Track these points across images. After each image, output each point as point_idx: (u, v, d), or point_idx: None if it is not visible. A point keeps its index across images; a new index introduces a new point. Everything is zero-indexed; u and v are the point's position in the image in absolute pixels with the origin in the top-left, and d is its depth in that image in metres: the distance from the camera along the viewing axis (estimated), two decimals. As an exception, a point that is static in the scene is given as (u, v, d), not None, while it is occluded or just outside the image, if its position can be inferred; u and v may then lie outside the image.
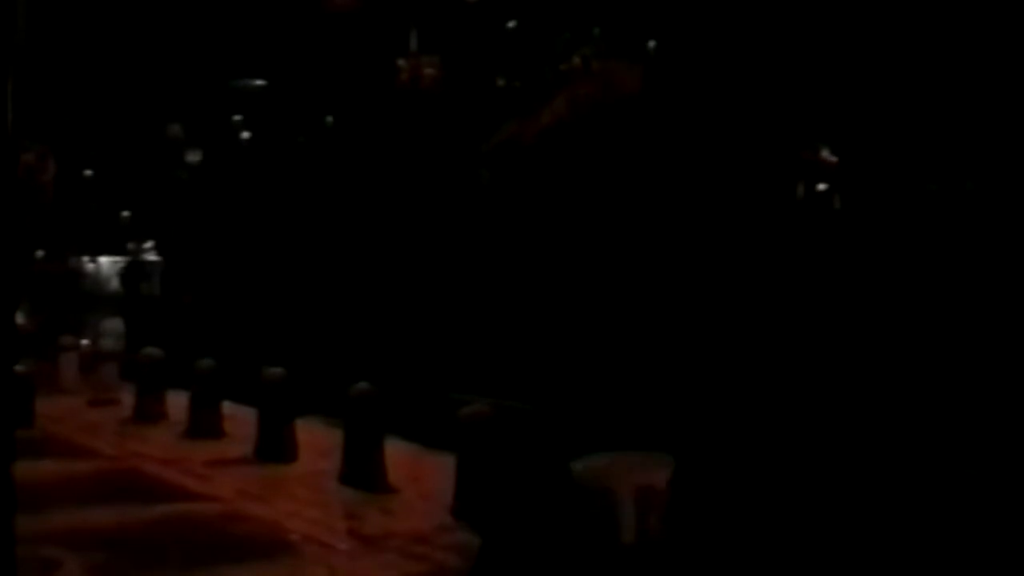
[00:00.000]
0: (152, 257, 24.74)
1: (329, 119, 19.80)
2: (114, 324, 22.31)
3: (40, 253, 25.01)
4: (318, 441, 13.16)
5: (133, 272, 24.73)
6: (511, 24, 16.75)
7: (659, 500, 2.71)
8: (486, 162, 11.37)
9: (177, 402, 15.70)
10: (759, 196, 9.95)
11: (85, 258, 26.02)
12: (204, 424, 14.68)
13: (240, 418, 14.48)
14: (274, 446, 13.00)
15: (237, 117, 23.29)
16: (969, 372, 8.91)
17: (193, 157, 24.52)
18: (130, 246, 25.37)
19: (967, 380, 8.84)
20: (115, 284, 25.19)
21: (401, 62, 18.41)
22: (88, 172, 27.64)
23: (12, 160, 4.00)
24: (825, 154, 11.46)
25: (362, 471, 11.47)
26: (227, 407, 15.04)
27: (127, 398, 16.89)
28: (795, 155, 11.14)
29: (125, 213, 26.12)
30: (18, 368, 15.25)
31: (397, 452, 12.06)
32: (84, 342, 20.96)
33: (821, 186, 11.32)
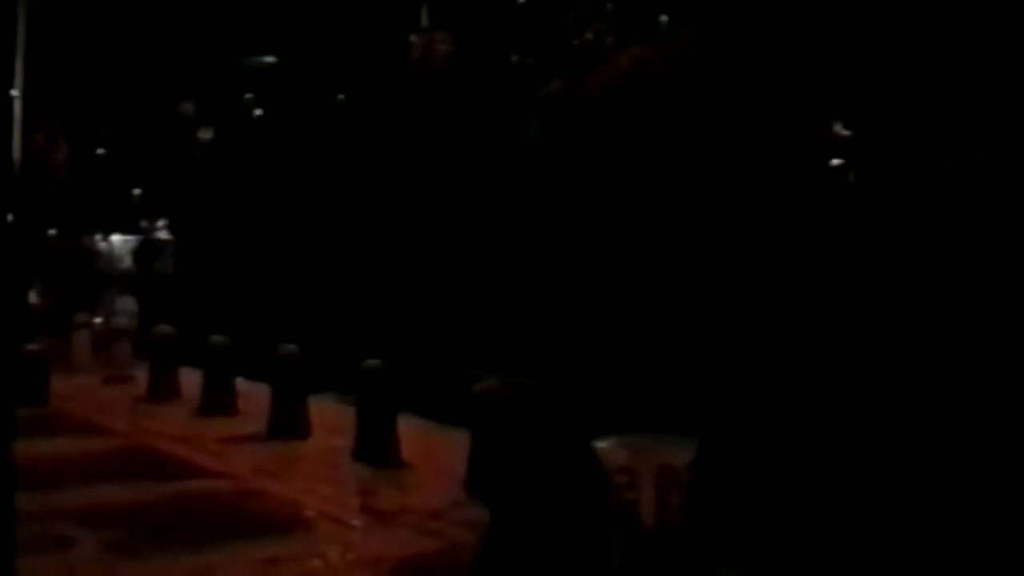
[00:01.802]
0: (165, 235, 24.74)
1: (341, 96, 19.77)
2: (127, 302, 22.35)
3: (53, 232, 25.02)
4: (331, 418, 13.18)
5: (146, 250, 24.74)
6: (521, 0, 16.70)
7: (679, 481, 2.70)
8: (538, 112, 11.27)
9: (190, 379, 15.73)
10: (778, 173, 9.90)
11: (98, 236, 26.02)
12: (217, 401, 14.71)
13: (253, 395, 14.50)
14: (287, 423, 13.02)
15: (248, 95, 23.27)
16: (985, 351, 8.87)
17: (205, 135, 24.50)
18: (143, 224, 25.37)
19: (982, 360, 8.80)
20: (128, 262, 25.19)
21: (414, 38, 18.37)
22: (100, 151, 27.64)
23: (9, 140, 3.99)
24: (838, 128, 11.42)
25: (375, 447, 11.49)
26: (240, 384, 15.06)
27: (141, 376, 16.92)
28: (810, 130, 11.10)
29: (137, 191, 26.10)
30: (32, 346, 15.36)
31: (410, 428, 12.08)
32: (97, 320, 20.98)
33: (835, 161, 11.28)
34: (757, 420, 8.04)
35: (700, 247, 9.25)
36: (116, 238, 25.63)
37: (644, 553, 2.74)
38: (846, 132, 11.38)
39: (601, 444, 2.71)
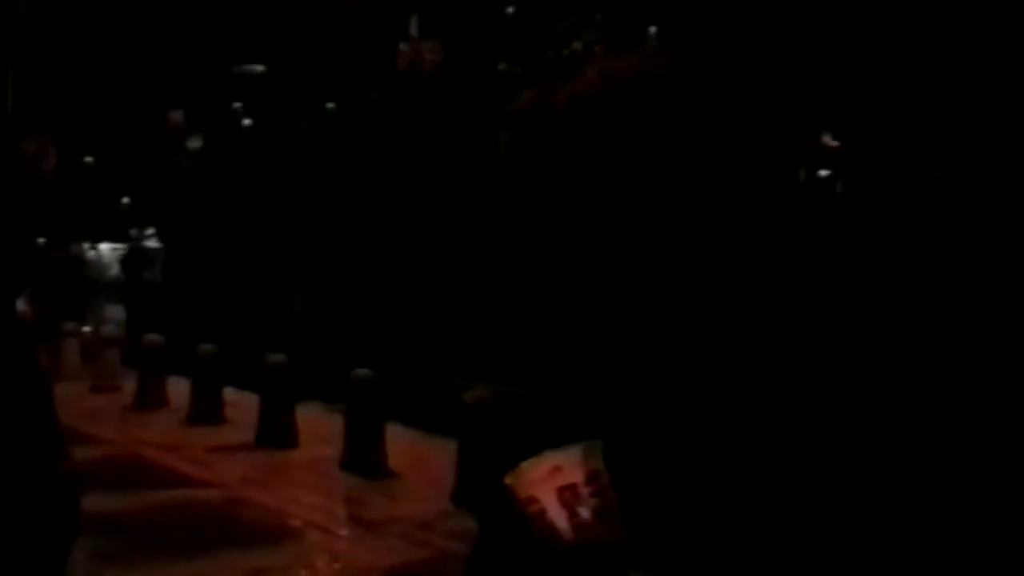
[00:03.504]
0: (153, 244, 24.70)
1: (330, 105, 19.77)
2: (115, 311, 22.31)
3: (41, 240, 24.97)
4: (319, 427, 13.16)
5: (134, 259, 24.69)
6: (510, 9, 16.72)
7: (582, 495, 2.75)
8: (508, 125, 11.16)
9: (179, 388, 15.70)
10: (765, 183, 9.86)
11: (86, 245, 25.98)
12: (205, 410, 14.69)
13: (241, 404, 14.48)
14: (275, 432, 13.01)
15: (238, 104, 23.25)
16: (970, 364, 8.88)
17: (194, 144, 24.48)
18: (131, 233, 25.32)
19: (967, 372, 8.81)
20: (116, 271, 25.15)
21: (402, 47, 18.37)
22: (89, 159, 27.60)
23: (14, 148, 4.01)
24: (827, 139, 11.44)
25: (363, 457, 11.48)
26: (228, 393, 15.04)
27: (129, 384, 16.89)
28: (798, 140, 11.12)
29: (126, 200, 26.06)
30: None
31: (399, 438, 12.07)
32: (86, 328, 20.93)
33: (823, 172, 11.29)
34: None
35: (674, 257, 9.24)
36: (105, 246, 25.59)
37: (568, 569, 2.80)
38: (835, 143, 11.40)
39: (508, 480, 2.75)
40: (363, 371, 11.87)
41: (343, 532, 9.36)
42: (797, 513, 6.75)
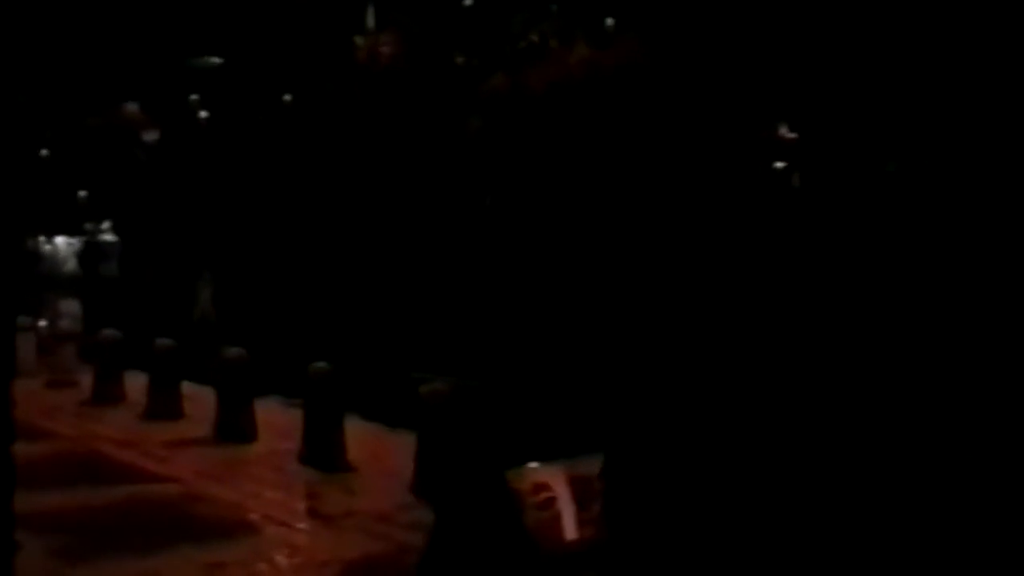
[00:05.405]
0: (110, 238, 24.54)
1: (287, 97, 19.70)
2: (72, 305, 22.15)
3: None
4: (278, 421, 13.16)
5: (91, 253, 24.53)
6: (467, 1, 16.71)
7: (594, 492, 2.74)
8: (480, 109, 11.24)
9: (136, 383, 15.64)
10: (727, 177, 9.95)
11: (42, 239, 25.79)
12: (163, 405, 14.64)
13: (199, 399, 14.45)
14: (233, 426, 12.99)
15: (194, 96, 23.13)
16: (928, 356, 8.94)
17: (150, 137, 24.32)
18: (87, 227, 25.14)
19: (927, 366, 8.87)
20: (73, 265, 24.99)
21: (359, 39, 18.33)
22: (44, 152, 27.40)
23: None
24: (783, 131, 11.50)
25: (322, 451, 11.48)
26: (186, 388, 15.00)
27: (86, 380, 16.82)
28: (755, 133, 11.17)
29: (82, 193, 25.88)
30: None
31: (357, 431, 12.07)
32: (42, 323, 20.79)
33: (779, 164, 11.35)
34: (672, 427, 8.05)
35: (642, 246, 9.29)
36: (60, 240, 25.41)
37: (571, 565, 2.77)
38: (791, 135, 11.47)
39: (512, 472, 2.73)
40: (321, 365, 11.86)
41: (302, 526, 9.37)
42: (791, 513, 6.80)
